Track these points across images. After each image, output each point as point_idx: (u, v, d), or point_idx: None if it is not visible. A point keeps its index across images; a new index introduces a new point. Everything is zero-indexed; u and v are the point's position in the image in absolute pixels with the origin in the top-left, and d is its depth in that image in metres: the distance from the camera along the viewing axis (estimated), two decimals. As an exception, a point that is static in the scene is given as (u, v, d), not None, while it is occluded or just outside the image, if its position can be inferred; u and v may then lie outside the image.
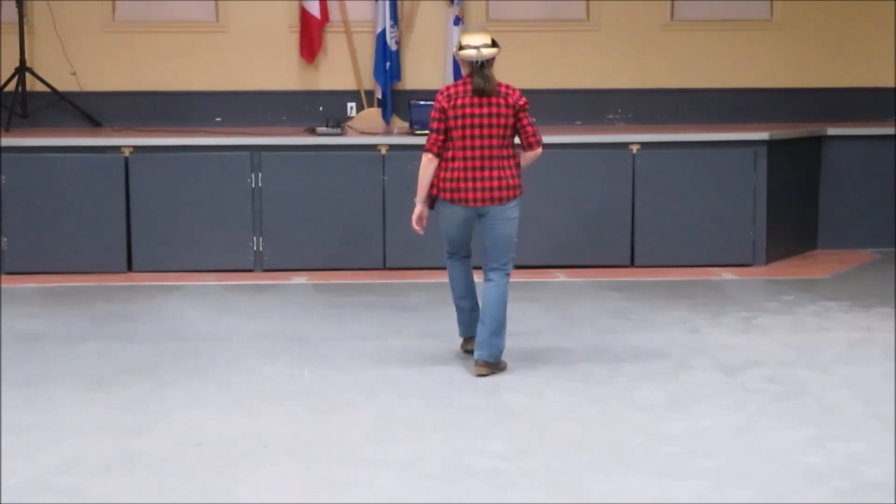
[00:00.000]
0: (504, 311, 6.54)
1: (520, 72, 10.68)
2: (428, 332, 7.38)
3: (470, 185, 6.42)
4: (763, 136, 9.51)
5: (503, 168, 6.45)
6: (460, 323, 6.79)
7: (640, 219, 9.42)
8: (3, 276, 9.02)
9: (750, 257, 9.52)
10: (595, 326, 7.57)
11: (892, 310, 7.93)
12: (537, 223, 9.36)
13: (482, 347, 6.47)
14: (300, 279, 9.04)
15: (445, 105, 6.41)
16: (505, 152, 6.46)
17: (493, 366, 6.50)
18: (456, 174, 6.43)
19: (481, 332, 6.49)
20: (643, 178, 9.40)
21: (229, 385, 6.32)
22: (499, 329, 6.50)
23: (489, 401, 6.06)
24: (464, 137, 6.41)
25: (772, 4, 11.03)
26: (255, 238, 9.29)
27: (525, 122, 6.47)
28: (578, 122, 10.86)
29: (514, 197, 6.49)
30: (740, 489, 4.84)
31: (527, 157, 6.57)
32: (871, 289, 8.62)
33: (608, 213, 9.41)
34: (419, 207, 6.55)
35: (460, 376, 6.52)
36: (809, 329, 7.53)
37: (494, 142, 6.42)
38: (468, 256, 6.73)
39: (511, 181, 6.46)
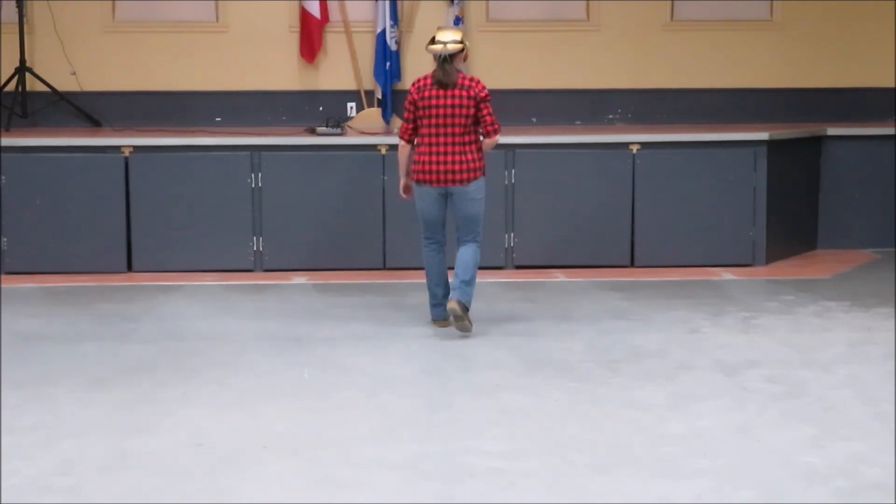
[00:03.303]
0: (475, 266, 7.30)
1: (520, 72, 10.74)
2: (427, 332, 7.39)
3: (435, 167, 7.21)
4: (763, 136, 9.51)
5: (465, 153, 7.22)
6: (434, 307, 7.47)
7: (640, 219, 9.42)
8: (3, 276, 9.03)
9: (750, 257, 9.52)
10: (595, 326, 7.58)
11: (892, 310, 7.93)
12: (537, 223, 9.38)
13: (455, 290, 7.21)
14: (300, 279, 9.04)
15: (416, 97, 7.24)
16: (467, 138, 7.24)
17: (464, 309, 7.17)
18: (423, 157, 7.25)
19: (455, 280, 7.24)
20: (643, 178, 9.40)
21: (229, 385, 6.32)
22: (470, 280, 7.25)
23: (489, 401, 6.06)
24: (430, 125, 7.22)
25: (772, 4, 11.03)
26: (254, 238, 9.29)
27: (485, 111, 7.24)
28: (578, 122, 10.86)
29: (476, 178, 7.26)
30: (740, 489, 4.84)
31: (486, 144, 7.35)
32: (871, 289, 8.62)
33: (608, 213, 9.41)
34: (403, 180, 7.44)
35: (460, 376, 6.53)
36: (809, 329, 7.53)
37: (457, 129, 7.20)
38: (443, 243, 7.43)
39: (472, 164, 7.25)
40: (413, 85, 7.29)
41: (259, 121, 10.63)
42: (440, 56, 7.19)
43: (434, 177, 7.21)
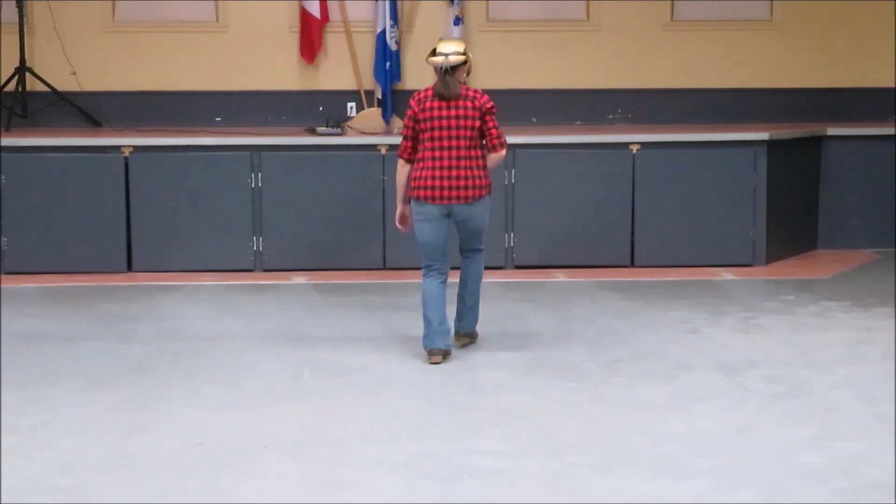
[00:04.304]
0: (480, 286, 7.04)
1: (520, 72, 10.74)
2: (428, 332, 7.38)
3: (438, 182, 6.70)
4: (763, 136, 9.51)
5: (470, 168, 6.74)
6: (426, 336, 6.79)
7: (640, 219, 9.42)
8: (3, 276, 9.02)
9: (750, 257, 9.52)
10: (595, 326, 7.57)
11: (892, 310, 7.93)
12: (537, 223, 9.38)
13: (462, 320, 7.02)
14: (300, 279, 9.04)
15: (416, 110, 6.74)
16: (472, 153, 6.76)
17: (472, 335, 7.08)
18: (426, 173, 6.72)
19: (461, 306, 7.00)
20: (643, 178, 9.40)
21: (229, 385, 6.32)
22: (475, 303, 7.03)
23: (489, 401, 6.06)
24: (433, 139, 6.72)
25: (772, 4, 11.03)
26: (255, 238, 9.29)
27: (490, 124, 6.77)
28: (578, 122, 10.86)
29: (482, 197, 6.78)
30: (740, 489, 4.84)
31: (491, 159, 6.86)
32: (871, 289, 8.62)
33: (608, 213, 9.41)
34: (400, 208, 6.90)
35: (460, 376, 6.53)
36: (809, 329, 7.53)
37: (462, 143, 6.72)
38: (446, 273, 6.86)
39: (478, 181, 6.76)
40: (412, 98, 6.78)
41: (259, 121, 10.62)
42: (441, 68, 6.71)
43: (438, 192, 6.67)
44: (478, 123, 6.74)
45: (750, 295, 8.52)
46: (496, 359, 6.82)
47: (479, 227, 6.86)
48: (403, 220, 6.91)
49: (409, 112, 6.78)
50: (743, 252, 9.51)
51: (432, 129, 6.71)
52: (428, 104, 6.72)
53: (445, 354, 6.75)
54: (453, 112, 6.71)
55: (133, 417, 5.76)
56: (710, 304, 8.18)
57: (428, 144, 6.73)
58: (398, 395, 6.16)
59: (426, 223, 6.75)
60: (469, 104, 6.72)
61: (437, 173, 6.70)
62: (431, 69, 6.90)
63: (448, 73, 6.73)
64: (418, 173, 6.74)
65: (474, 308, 7.03)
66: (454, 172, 6.70)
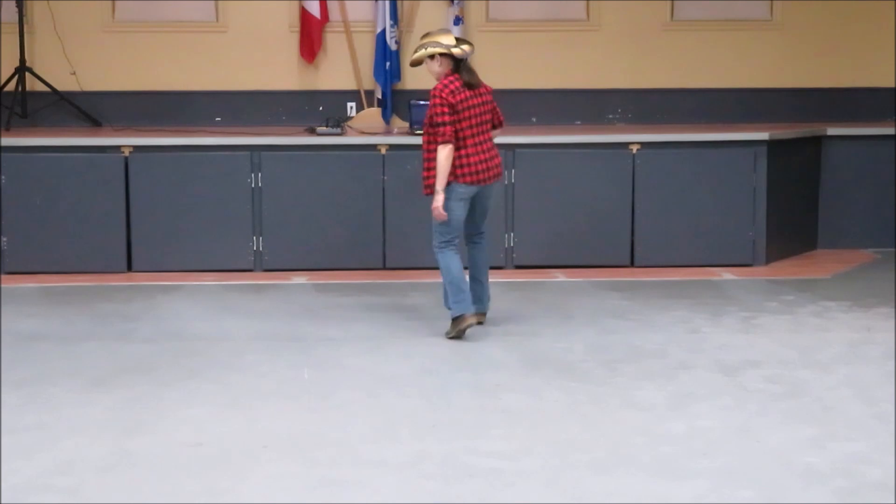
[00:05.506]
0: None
1: (520, 72, 10.74)
2: (427, 332, 7.39)
3: (484, 166, 7.20)
4: (763, 136, 9.51)
5: (494, 148, 7.35)
6: (460, 302, 7.16)
7: (640, 219, 9.42)
8: (3, 276, 9.03)
9: (750, 257, 9.52)
10: (595, 326, 7.58)
11: (892, 310, 7.93)
12: (537, 223, 9.38)
13: (483, 302, 7.44)
14: (300, 279, 9.04)
15: (453, 101, 7.06)
16: (491, 134, 7.37)
17: (485, 314, 7.50)
18: (473, 159, 7.16)
19: (480, 289, 7.40)
20: (643, 178, 9.40)
21: (229, 385, 6.32)
22: (487, 283, 7.51)
23: (489, 401, 6.06)
24: (471, 126, 7.16)
25: (772, 4, 11.03)
26: (254, 238, 9.29)
27: (495, 105, 7.38)
28: (578, 122, 10.86)
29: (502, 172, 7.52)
30: (740, 489, 4.84)
31: (496, 134, 7.47)
32: (871, 289, 8.62)
33: (608, 213, 9.41)
34: (442, 196, 7.09)
35: (460, 376, 6.53)
36: (809, 329, 7.53)
37: (487, 126, 7.29)
38: (458, 245, 7.33)
39: (500, 159, 7.41)
40: (445, 89, 7.05)
41: (259, 121, 10.62)
42: (464, 59, 7.16)
43: (485, 175, 7.18)
44: (492, 106, 7.33)
45: (750, 295, 8.52)
46: (496, 359, 6.82)
47: (493, 204, 7.48)
48: (439, 209, 7.13)
49: (444, 101, 7.02)
50: (743, 252, 9.51)
51: (470, 117, 7.15)
52: (461, 95, 7.10)
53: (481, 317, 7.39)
54: (479, 100, 7.21)
55: (133, 417, 5.76)
56: (710, 304, 8.18)
57: (468, 132, 7.14)
58: (398, 394, 6.16)
59: (462, 203, 7.17)
60: (485, 90, 7.27)
61: (483, 157, 7.20)
62: (433, 68, 7.00)
63: (467, 62, 7.19)
64: (466, 160, 7.12)
65: (487, 288, 7.49)
66: (489, 154, 7.25)
